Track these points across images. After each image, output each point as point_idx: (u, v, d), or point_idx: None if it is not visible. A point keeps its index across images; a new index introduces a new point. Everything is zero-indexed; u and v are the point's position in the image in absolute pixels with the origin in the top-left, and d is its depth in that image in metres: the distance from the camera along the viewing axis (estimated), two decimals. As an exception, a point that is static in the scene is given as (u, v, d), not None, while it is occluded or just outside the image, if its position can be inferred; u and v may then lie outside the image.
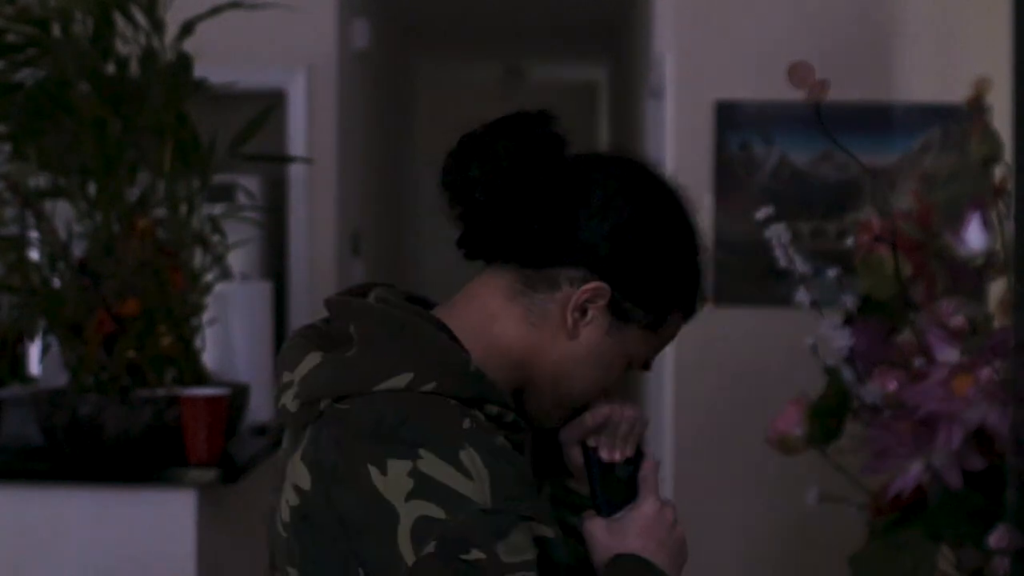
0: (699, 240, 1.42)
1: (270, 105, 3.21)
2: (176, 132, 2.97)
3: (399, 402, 1.27)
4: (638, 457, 1.45)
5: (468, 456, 1.24)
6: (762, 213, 2.56)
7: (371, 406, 1.27)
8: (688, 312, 1.43)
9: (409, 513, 1.21)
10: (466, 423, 1.27)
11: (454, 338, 1.34)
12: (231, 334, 3.35)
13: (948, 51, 3.98)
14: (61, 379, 3.02)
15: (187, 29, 2.99)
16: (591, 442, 1.44)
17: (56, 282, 2.92)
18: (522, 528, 1.24)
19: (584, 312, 1.36)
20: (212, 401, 2.77)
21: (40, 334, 2.96)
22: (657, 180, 1.41)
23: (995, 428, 2.24)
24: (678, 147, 4.09)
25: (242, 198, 3.62)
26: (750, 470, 3.94)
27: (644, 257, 1.37)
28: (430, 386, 1.28)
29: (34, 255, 2.98)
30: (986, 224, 2.39)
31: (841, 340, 2.46)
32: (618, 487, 1.43)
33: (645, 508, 1.41)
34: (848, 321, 2.50)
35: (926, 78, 4.02)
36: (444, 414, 1.27)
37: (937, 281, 2.49)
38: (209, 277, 3.07)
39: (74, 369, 2.88)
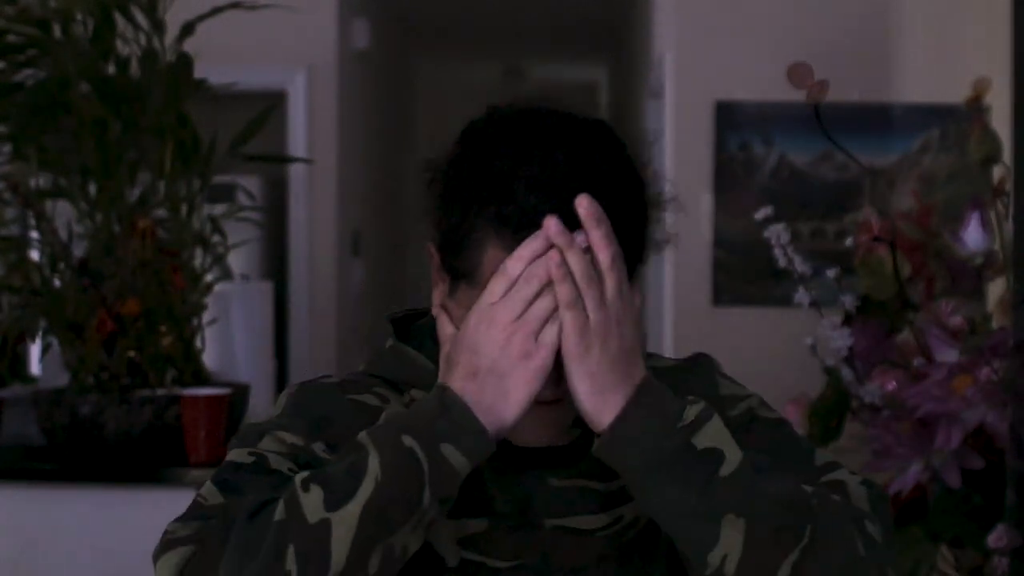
0: (499, 166, 1.26)
1: (270, 105, 3.22)
2: (176, 132, 2.98)
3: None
4: None
5: (289, 391, 1.38)
6: (761, 213, 2.56)
7: None
8: (505, 245, 1.25)
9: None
10: (346, 382, 1.36)
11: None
12: (231, 334, 3.35)
13: (948, 51, 3.98)
14: (61, 379, 3.02)
15: (187, 29, 3.00)
16: None
17: (57, 282, 2.93)
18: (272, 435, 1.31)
19: (437, 280, 1.34)
20: (212, 401, 2.78)
21: (41, 334, 2.97)
22: (474, 123, 1.33)
23: (994, 428, 2.24)
24: (678, 147, 4.10)
25: (242, 198, 3.62)
26: (750, 470, 3.94)
27: (435, 202, 1.30)
28: (362, 367, 1.40)
29: (35, 255, 2.98)
30: (985, 224, 2.39)
31: (840, 340, 2.47)
32: None
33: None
34: (847, 321, 2.50)
35: (926, 78, 4.02)
36: (338, 378, 1.39)
37: (936, 281, 2.49)
38: (209, 277, 3.07)
39: (74, 369, 2.88)
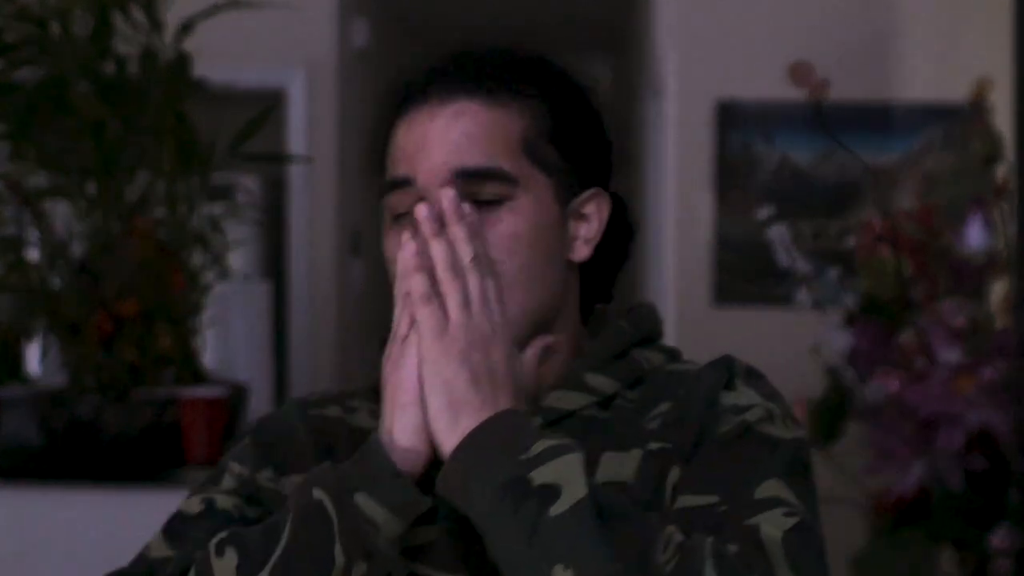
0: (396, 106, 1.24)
1: (270, 105, 3.21)
2: (175, 132, 2.97)
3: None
4: None
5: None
6: (763, 213, 2.55)
7: None
8: (400, 123, 1.22)
9: None
10: (325, 396, 1.31)
11: None
12: (231, 334, 3.35)
13: (948, 51, 3.97)
14: (60, 379, 3.01)
15: (186, 28, 2.99)
16: None
17: (55, 282, 2.92)
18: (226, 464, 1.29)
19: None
20: (212, 402, 2.77)
21: (39, 334, 2.96)
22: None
23: (997, 429, 2.23)
24: (679, 146, 4.09)
25: (242, 198, 3.61)
26: (751, 470, 3.93)
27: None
28: None
29: (33, 255, 2.97)
30: (987, 224, 2.38)
31: (842, 340, 2.46)
32: None
33: None
34: (849, 321, 2.50)
35: (926, 78, 4.01)
36: (338, 389, 1.35)
37: (938, 281, 2.48)
38: (209, 277, 3.06)
39: (73, 369, 2.88)
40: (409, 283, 1.13)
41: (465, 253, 1.13)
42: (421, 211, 1.13)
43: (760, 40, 4.01)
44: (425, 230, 1.13)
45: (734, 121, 4.02)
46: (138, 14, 2.97)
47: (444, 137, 1.18)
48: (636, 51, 6.18)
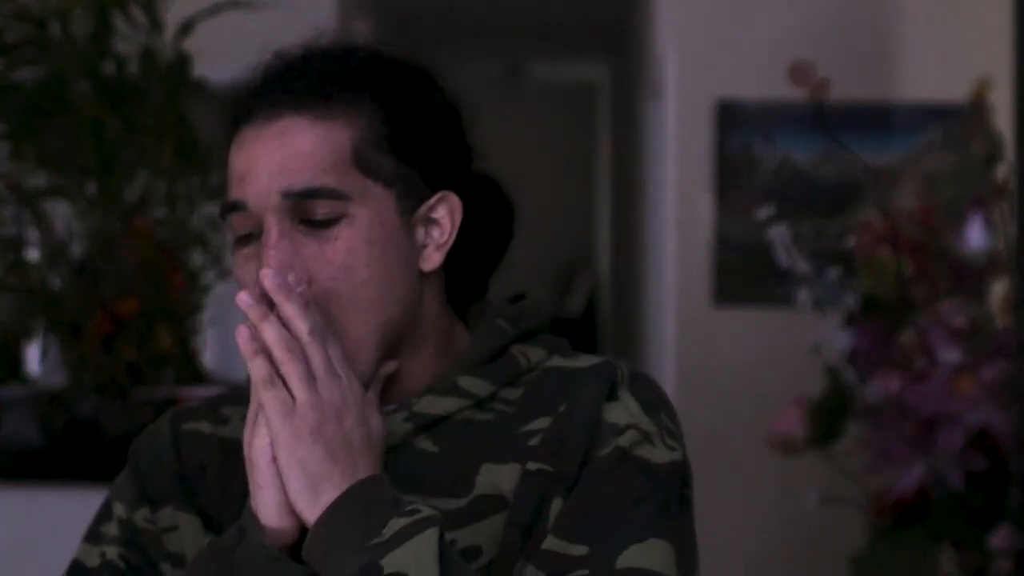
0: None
1: (270, 104, 3.20)
2: (175, 131, 2.97)
3: None
4: None
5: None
6: (763, 213, 2.55)
7: None
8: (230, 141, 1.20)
9: None
10: (190, 409, 1.29)
11: None
12: (231, 334, 3.34)
13: (948, 51, 3.97)
14: (60, 379, 3.01)
15: (186, 28, 2.99)
16: None
17: (55, 282, 2.92)
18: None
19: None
20: (211, 401, 2.77)
21: (39, 334, 2.96)
22: None
23: (997, 429, 2.23)
24: (679, 146, 4.09)
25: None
26: (750, 471, 3.94)
27: None
28: None
29: (33, 255, 2.97)
30: (988, 224, 2.38)
31: (842, 340, 2.46)
32: None
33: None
34: (850, 321, 2.49)
35: (926, 78, 4.01)
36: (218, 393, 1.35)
37: (939, 281, 2.48)
38: (209, 277, 3.06)
39: (73, 369, 2.88)
40: (250, 368, 1.11)
41: (301, 330, 1.10)
42: (242, 299, 1.11)
43: (760, 40, 4.01)
44: (252, 316, 1.10)
45: (734, 121, 4.02)
46: (138, 14, 2.97)
47: (269, 159, 1.15)
48: (636, 51, 6.18)
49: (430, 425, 1.18)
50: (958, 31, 3.98)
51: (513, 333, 1.23)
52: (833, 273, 2.52)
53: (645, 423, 1.18)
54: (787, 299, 2.70)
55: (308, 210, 1.14)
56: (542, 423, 1.18)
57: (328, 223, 1.14)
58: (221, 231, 3.10)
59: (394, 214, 1.16)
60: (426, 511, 1.09)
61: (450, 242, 1.20)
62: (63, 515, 2.77)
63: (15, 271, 2.92)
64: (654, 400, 1.21)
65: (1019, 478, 2.14)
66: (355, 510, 1.08)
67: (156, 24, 2.97)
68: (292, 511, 1.10)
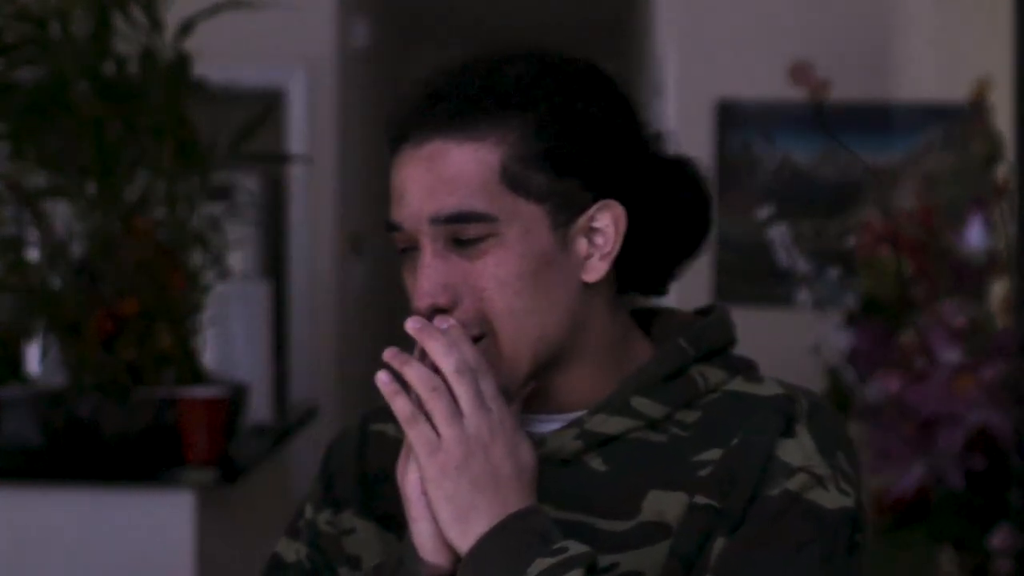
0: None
1: (270, 104, 3.21)
2: (175, 131, 2.97)
3: None
4: None
5: None
6: (763, 213, 2.55)
7: None
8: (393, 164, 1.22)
9: None
10: (381, 408, 1.27)
11: None
12: (231, 334, 3.34)
13: (948, 51, 3.97)
14: (60, 379, 3.01)
15: (186, 28, 2.99)
16: None
17: (55, 282, 2.92)
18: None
19: None
20: (211, 401, 2.77)
21: (39, 334, 2.96)
22: None
23: (997, 428, 2.23)
24: (679, 146, 4.09)
25: (242, 198, 3.61)
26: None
27: None
28: None
29: (33, 255, 2.97)
30: (987, 224, 2.38)
31: (842, 340, 2.46)
32: None
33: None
34: (850, 321, 2.50)
35: (926, 78, 4.01)
36: None
37: (939, 281, 2.48)
38: (209, 277, 3.06)
39: (73, 369, 2.88)
40: (393, 409, 1.12)
41: (447, 368, 1.10)
42: (410, 326, 1.12)
43: (760, 40, 4.01)
44: (395, 363, 1.11)
45: (734, 121, 4.02)
46: (138, 14, 2.97)
47: (419, 182, 1.16)
48: (636, 51, 6.18)
49: (603, 443, 1.17)
50: (958, 31, 3.98)
51: (693, 354, 1.20)
52: (833, 273, 2.52)
53: (819, 465, 1.14)
54: (787, 299, 2.70)
55: (458, 232, 1.14)
56: (714, 454, 1.16)
57: (478, 241, 1.14)
58: (221, 231, 3.11)
59: (547, 229, 1.15)
60: (574, 550, 1.08)
61: (615, 251, 1.17)
62: (63, 515, 2.77)
63: (15, 271, 2.92)
64: (832, 439, 1.17)
65: (1019, 478, 2.14)
66: (505, 545, 1.09)
67: (156, 24, 2.97)
68: (445, 544, 1.12)
